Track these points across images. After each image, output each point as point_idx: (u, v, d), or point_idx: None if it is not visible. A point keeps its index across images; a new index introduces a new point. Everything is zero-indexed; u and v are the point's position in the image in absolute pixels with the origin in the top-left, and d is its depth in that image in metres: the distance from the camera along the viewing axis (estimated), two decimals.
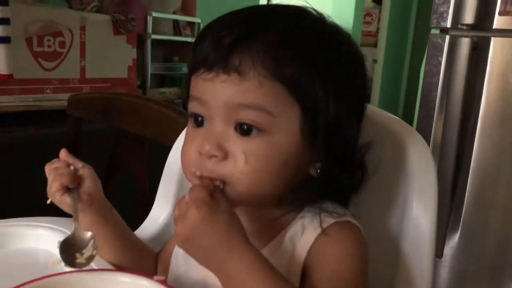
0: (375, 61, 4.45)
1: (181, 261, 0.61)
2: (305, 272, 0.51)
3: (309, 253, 0.51)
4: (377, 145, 0.55)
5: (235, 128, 0.49)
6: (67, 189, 0.59)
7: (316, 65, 0.49)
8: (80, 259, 0.56)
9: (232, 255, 0.45)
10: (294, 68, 0.48)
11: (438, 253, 1.49)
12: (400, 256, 0.58)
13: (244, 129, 0.48)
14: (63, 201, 0.59)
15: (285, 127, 0.49)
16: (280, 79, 0.47)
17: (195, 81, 0.51)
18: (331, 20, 0.54)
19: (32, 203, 0.79)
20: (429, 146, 1.05)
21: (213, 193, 0.47)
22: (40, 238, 0.69)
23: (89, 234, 0.58)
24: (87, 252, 0.57)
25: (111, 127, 1.21)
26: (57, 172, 0.59)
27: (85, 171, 0.61)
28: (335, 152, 0.51)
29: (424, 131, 1.47)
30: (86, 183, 0.60)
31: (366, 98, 0.56)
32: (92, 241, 0.57)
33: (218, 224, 0.46)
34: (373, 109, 0.65)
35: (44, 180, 0.61)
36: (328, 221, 0.52)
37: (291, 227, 0.54)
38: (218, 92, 0.49)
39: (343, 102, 0.50)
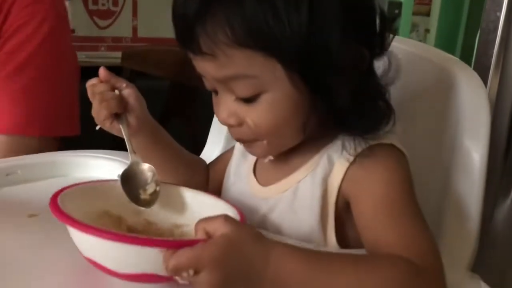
0: (427, 30, 4.29)
1: (232, 175, 0.63)
2: (348, 198, 0.52)
3: (347, 174, 0.51)
4: (427, 76, 0.55)
5: (236, 98, 0.51)
6: (115, 115, 0.57)
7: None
8: (144, 196, 0.55)
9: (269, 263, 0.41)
10: (246, 23, 0.45)
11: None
12: (450, 183, 0.58)
13: (242, 99, 0.50)
14: (113, 128, 0.58)
15: (275, 80, 0.48)
16: (240, 44, 0.46)
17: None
18: None
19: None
20: None
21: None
22: (100, 168, 0.73)
23: (146, 166, 0.56)
24: (149, 188, 0.55)
25: (163, 79, 1.25)
26: (103, 97, 0.56)
27: (128, 91, 0.58)
28: (333, 82, 0.48)
29: None
30: (132, 106, 0.58)
31: (372, 21, 0.50)
32: (152, 175, 0.56)
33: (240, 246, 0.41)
34: (429, 48, 0.65)
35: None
36: (368, 142, 0.51)
37: (331, 147, 0.54)
38: (204, 69, 0.50)
39: (329, 27, 0.46)
